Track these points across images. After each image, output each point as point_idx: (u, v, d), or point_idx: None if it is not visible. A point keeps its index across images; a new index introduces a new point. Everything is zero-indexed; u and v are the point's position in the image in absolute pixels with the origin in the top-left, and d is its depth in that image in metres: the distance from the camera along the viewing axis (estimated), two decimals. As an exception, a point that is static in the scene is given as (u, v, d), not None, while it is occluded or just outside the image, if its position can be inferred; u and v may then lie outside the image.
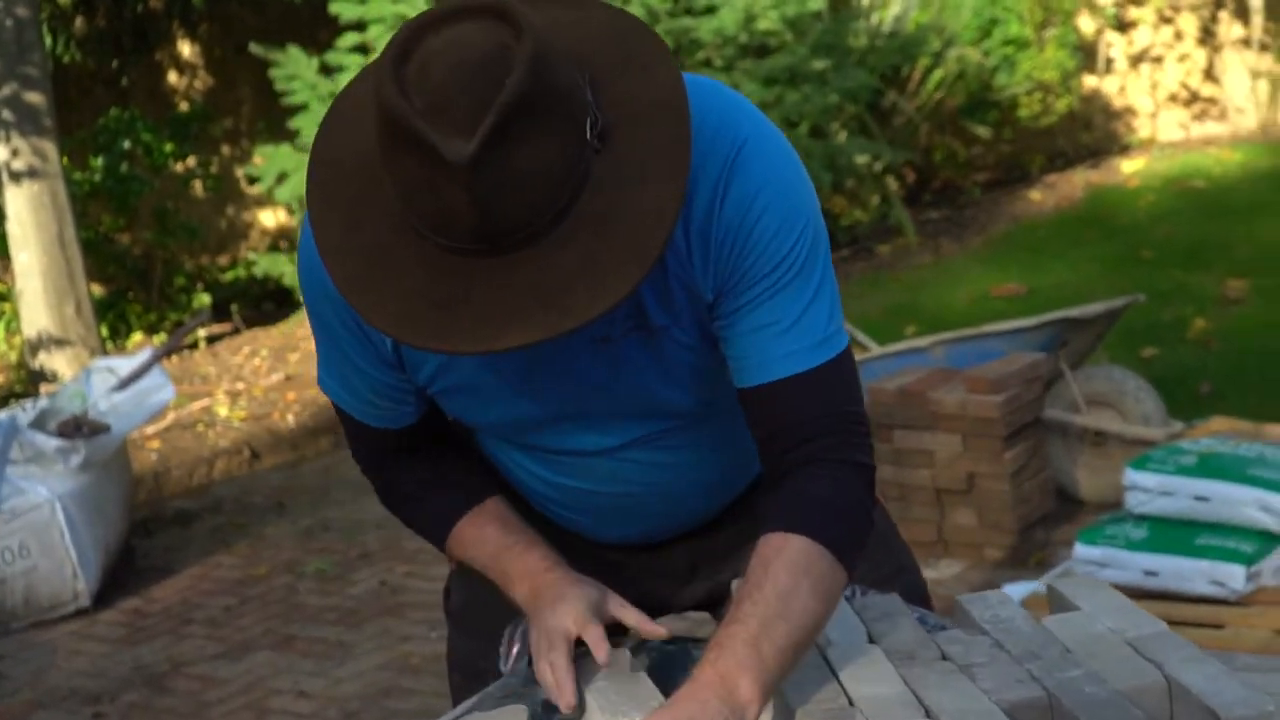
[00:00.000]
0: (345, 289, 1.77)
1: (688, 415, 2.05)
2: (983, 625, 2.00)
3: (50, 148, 9.19)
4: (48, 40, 10.75)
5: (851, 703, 1.82)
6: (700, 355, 1.97)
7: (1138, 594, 4.41)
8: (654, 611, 2.30)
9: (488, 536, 2.11)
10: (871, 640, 1.99)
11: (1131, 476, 4.54)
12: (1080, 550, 4.52)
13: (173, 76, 12.52)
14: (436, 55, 1.69)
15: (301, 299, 2.14)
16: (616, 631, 2.10)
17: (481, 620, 2.22)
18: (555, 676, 1.93)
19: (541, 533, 2.15)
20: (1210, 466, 4.46)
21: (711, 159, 1.85)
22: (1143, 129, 12.73)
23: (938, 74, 10.86)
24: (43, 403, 6.53)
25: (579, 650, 1.98)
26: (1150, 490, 4.49)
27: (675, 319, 1.93)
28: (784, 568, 1.84)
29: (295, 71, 9.45)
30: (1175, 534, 4.42)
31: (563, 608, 1.99)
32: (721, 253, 1.88)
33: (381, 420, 2.10)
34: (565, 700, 1.91)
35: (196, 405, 8.74)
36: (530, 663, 2.12)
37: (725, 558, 2.17)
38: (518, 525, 2.13)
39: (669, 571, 2.28)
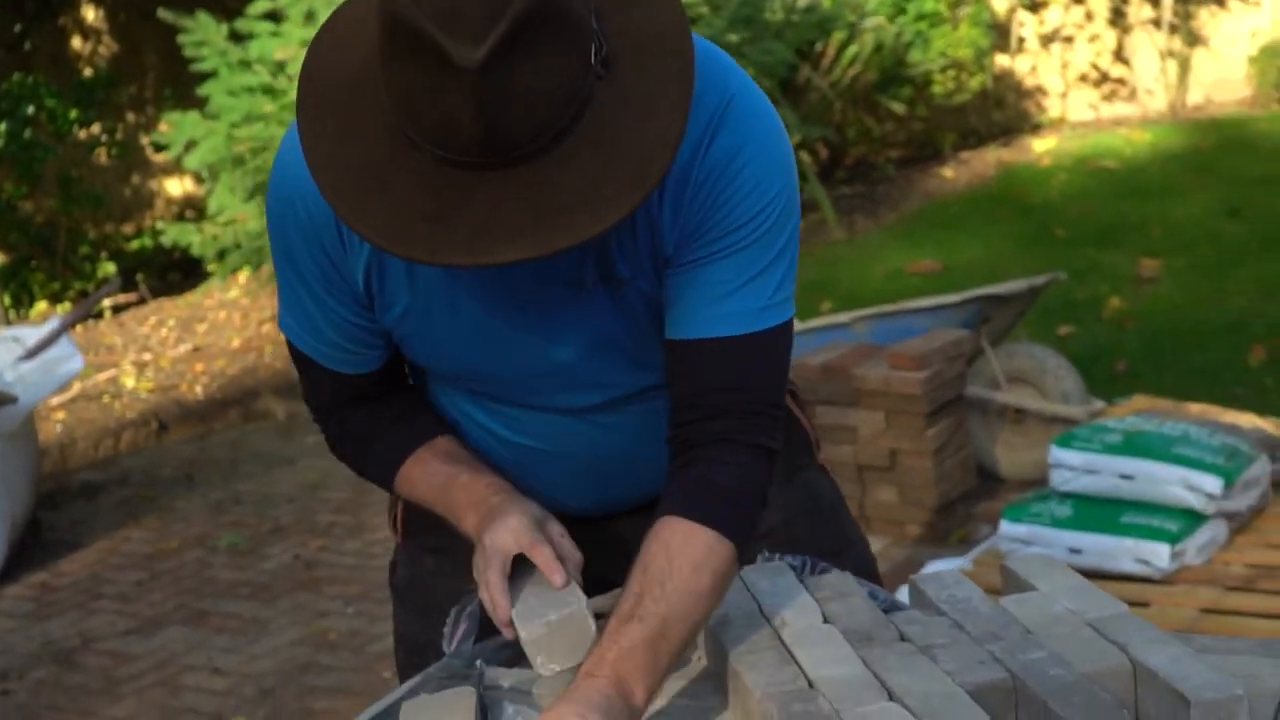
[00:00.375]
0: (333, 198, 1.71)
1: (651, 375, 2.02)
2: (939, 605, 1.96)
3: (-48, 112, 9.01)
4: (-51, 3, 10.54)
5: (811, 685, 1.77)
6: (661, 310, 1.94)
7: (1062, 572, 4.42)
8: (592, 587, 2.26)
9: (434, 471, 2.07)
10: (826, 620, 1.94)
11: (1057, 454, 4.53)
12: (1005, 528, 4.51)
13: (77, 42, 12.30)
14: None
15: (267, 241, 2.08)
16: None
17: (427, 596, 2.19)
18: (490, 594, 1.91)
19: None
20: (1135, 445, 4.46)
21: (700, 107, 1.82)
22: (1053, 108, 12.80)
23: (852, 49, 10.84)
24: (-54, 373, 6.39)
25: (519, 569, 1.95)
26: (1075, 468, 4.49)
27: (639, 270, 1.91)
28: (690, 565, 1.83)
29: (204, 38, 9.29)
30: (1100, 512, 4.41)
31: (501, 525, 1.94)
32: (695, 201, 1.86)
33: (343, 364, 2.06)
34: (500, 616, 1.90)
35: (103, 376, 8.61)
36: (475, 642, 2.07)
37: None
38: (465, 456, 2.09)
39: (611, 548, 2.23)
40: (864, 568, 2.23)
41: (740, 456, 1.90)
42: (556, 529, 1.98)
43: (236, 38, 9.33)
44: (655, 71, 1.74)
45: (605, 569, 2.22)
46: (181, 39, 9.36)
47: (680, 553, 1.83)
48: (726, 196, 1.86)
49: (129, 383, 8.54)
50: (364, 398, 2.12)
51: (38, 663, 5.13)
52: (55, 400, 8.14)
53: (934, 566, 4.47)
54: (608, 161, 1.69)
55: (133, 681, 4.90)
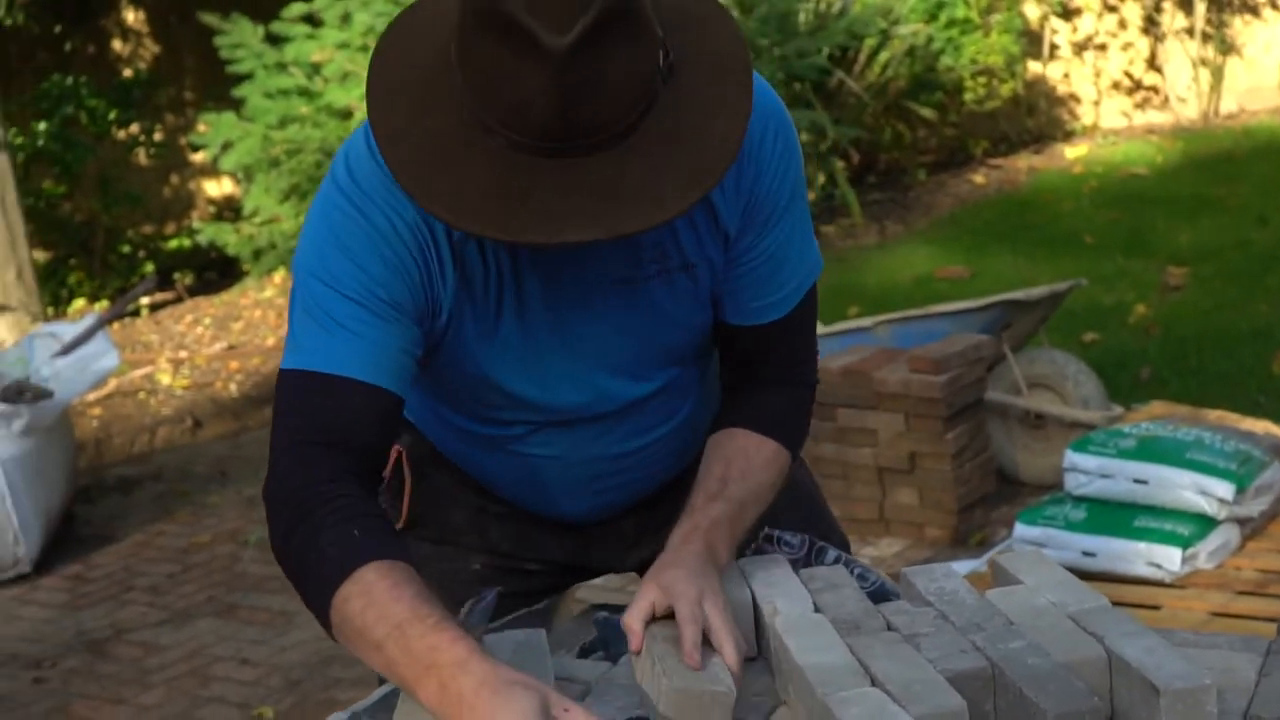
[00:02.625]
0: (401, 174, 1.77)
1: (686, 367, 2.16)
2: (927, 597, 2.03)
3: (-7, 112, 9.14)
4: (-8, 4, 10.67)
5: (799, 670, 1.85)
6: (708, 304, 2.09)
7: (1076, 574, 4.46)
8: (595, 573, 2.35)
9: (401, 595, 1.77)
10: (817, 610, 2.02)
11: (1071, 458, 4.59)
12: (1020, 530, 4.57)
13: (117, 43, 12.44)
14: None
15: (292, 270, 1.98)
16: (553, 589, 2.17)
17: (424, 576, 2.18)
18: None
19: (491, 515, 2.22)
20: (1149, 450, 4.51)
21: None
22: (1086, 116, 12.82)
23: (884, 55, 10.90)
24: (-16, 368, 6.51)
25: None
26: (1090, 472, 4.54)
27: (701, 256, 2.03)
28: (763, 462, 2.12)
29: (241, 40, 9.43)
30: (1114, 516, 4.47)
31: (506, 709, 1.65)
32: (745, 177, 2.00)
33: (379, 376, 1.91)
34: None
35: (139, 373, 8.72)
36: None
37: (665, 525, 2.18)
38: (432, 597, 1.80)
39: (613, 540, 2.31)
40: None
41: (795, 392, 2.20)
42: (562, 703, 1.70)
43: (273, 40, 9.46)
44: (716, 81, 1.85)
45: (608, 560, 2.32)
46: (218, 41, 9.50)
47: (756, 454, 2.11)
48: (769, 167, 2.01)
49: (165, 380, 8.65)
50: (359, 448, 1.92)
51: (70, 652, 5.24)
52: (92, 396, 8.25)
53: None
54: (674, 157, 1.79)
55: (163, 671, 5.01)
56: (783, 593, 2.06)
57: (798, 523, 2.28)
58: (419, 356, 1.98)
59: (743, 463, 2.09)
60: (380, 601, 1.76)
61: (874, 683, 1.80)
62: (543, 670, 1.93)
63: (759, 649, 2.05)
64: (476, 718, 1.64)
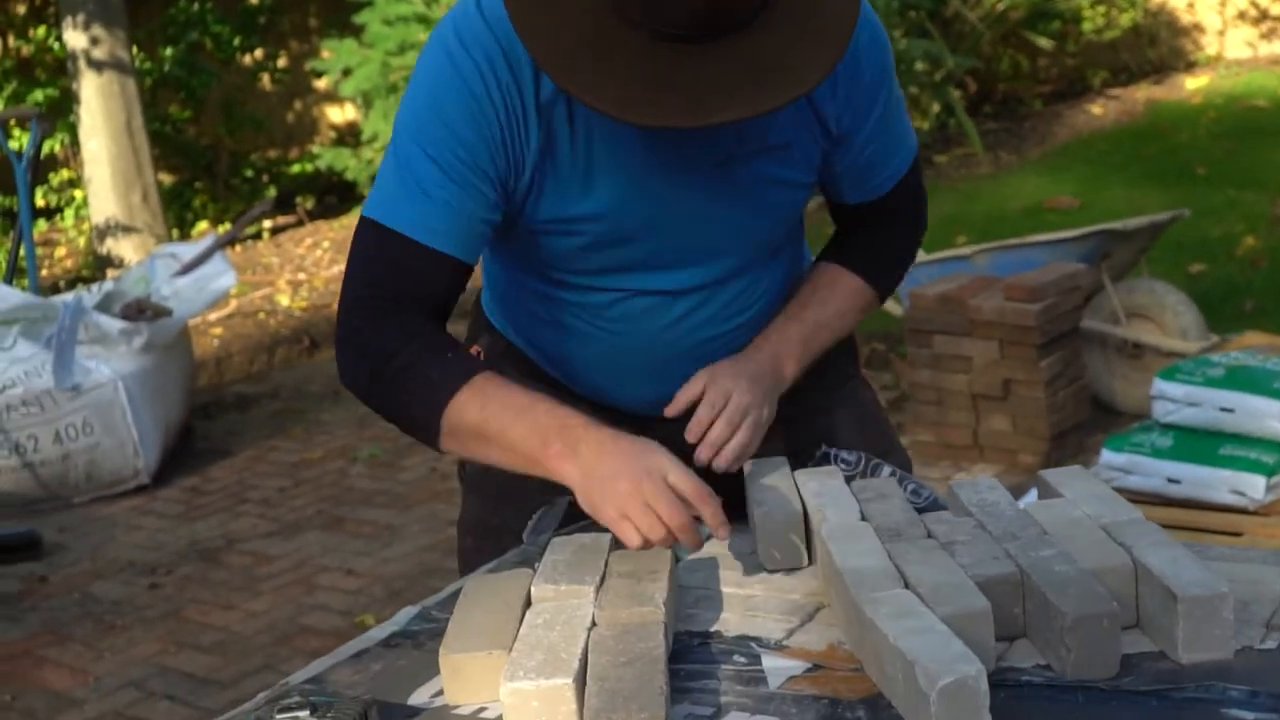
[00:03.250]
0: (551, 68, 1.89)
1: (773, 250, 2.29)
2: (969, 508, 2.12)
3: (122, 36, 9.35)
4: (121, -70, 10.88)
5: (838, 573, 1.95)
6: (799, 187, 2.23)
7: (1161, 500, 4.52)
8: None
9: (513, 394, 2.02)
10: (864, 519, 2.11)
11: (1159, 386, 4.61)
12: (1106, 456, 4.61)
13: (243, -31, 12.63)
14: None
15: (395, 133, 2.11)
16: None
17: (500, 484, 2.26)
18: (708, 509, 1.96)
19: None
20: (1237, 379, 4.53)
21: None
22: (1210, 46, 12.67)
23: (1002, -17, 10.85)
24: (108, 286, 6.72)
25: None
26: (1178, 400, 4.57)
27: (796, 137, 2.15)
28: (845, 296, 2.32)
29: (362, -33, 9.55)
30: (1200, 443, 4.49)
31: (654, 452, 1.98)
32: (852, 83, 2.15)
33: (447, 242, 2.05)
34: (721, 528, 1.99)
35: (259, 294, 8.93)
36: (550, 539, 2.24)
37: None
38: (533, 388, 2.09)
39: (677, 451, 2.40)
40: (904, 470, 2.40)
41: (906, 231, 2.40)
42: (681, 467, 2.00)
43: (393, -33, 9.57)
44: None
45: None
46: (339, -33, 9.63)
47: (842, 287, 2.32)
48: (866, 69, 2.16)
49: (284, 301, 8.86)
50: (427, 303, 2.08)
51: (184, 560, 5.44)
52: (214, 316, 8.47)
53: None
54: (804, 31, 1.91)
55: (271, 580, 5.19)
56: (832, 502, 2.15)
57: (859, 441, 2.37)
58: (496, 223, 2.10)
59: (826, 291, 2.30)
60: (498, 398, 2.02)
61: (906, 585, 1.90)
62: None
63: (809, 556, 2.15)
64: (619, 450, 1.97)
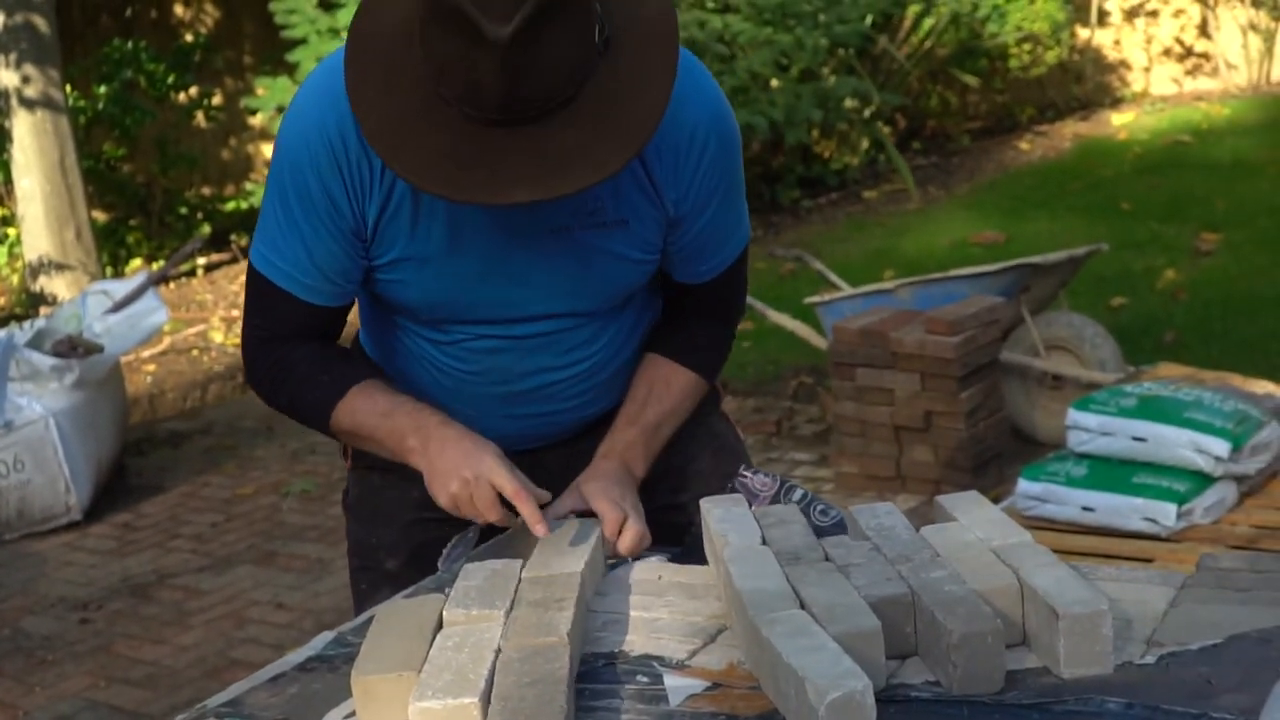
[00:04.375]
0: (375, 141, 2.04)
1: (614, 306, 2.39)
2: (867, 532, 2.20)
3: (54, 75, 9.36)
4: (54, -31, 10.90)
5: (738, 594, 2.02)
6: (636, 263, 2.33)
7: (1076, 528, 4.62)
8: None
9: (378, 401, 2.31)
10: (764, 543, 2.19)
11: (1074, 416, 4.71)
12: (1023, 485, 4.70)
13: (179, 8, 12.66)
14: None
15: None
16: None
17: (375, 506, 2.53)
18: (525, 508, 2.19)
19: None
20: (1149, 408, 4.63)
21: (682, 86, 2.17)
22: (1136, 83, 12.87)
23: (928, 21, 10.99)
24: (40, 323, 6.74)
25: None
26: (1091, 430, 4.67)
27: (633, 215, 2.26)
28: (680, 392, 2.46)
29: (295, 6, 9.60)
30: (1113, 472, 4.59)
31: (479, 457, 2.23)
32: (695, 168, 2.26)
33: (316, 296, 2.29)
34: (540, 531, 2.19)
35: (192, 331, 8.95)
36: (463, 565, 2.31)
37: (584, 462, 2.43)
38: (402, 393, 2.35)
39: (541, 470, 2.50)
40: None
41: (717, 329, 2.53)
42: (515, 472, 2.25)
43: (326, 5, 9.64)
44: (647, 52, 2.09)
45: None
46: (273, 6, 9.69)
47: (674, 381, 2.45)
48: (710, 157, 2.26)
49: (217, 337, 8.88)
50: (311, 336, 2.36)
51: (115, 595, 5.47)
52: (147, 353, 8.49)
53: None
54: (605, 125, 2.03)
55: (202, 614, 5.23)
56: (734, 527, 2.23)
57: (716, 470, 2.49)
58: (359, 269, 2.28)
59: (662, 388, 2.43)
60: (367, 406, 2.32)
61: (802, 606, 1.97)
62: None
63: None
64: (459, 449, 2.23)
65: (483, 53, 1.95)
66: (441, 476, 2.24)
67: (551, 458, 2.49)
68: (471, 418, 2.39)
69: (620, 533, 2.29)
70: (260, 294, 2.33)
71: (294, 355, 2.35)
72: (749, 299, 4.45)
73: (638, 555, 2.32)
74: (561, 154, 2.00)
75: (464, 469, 2.23)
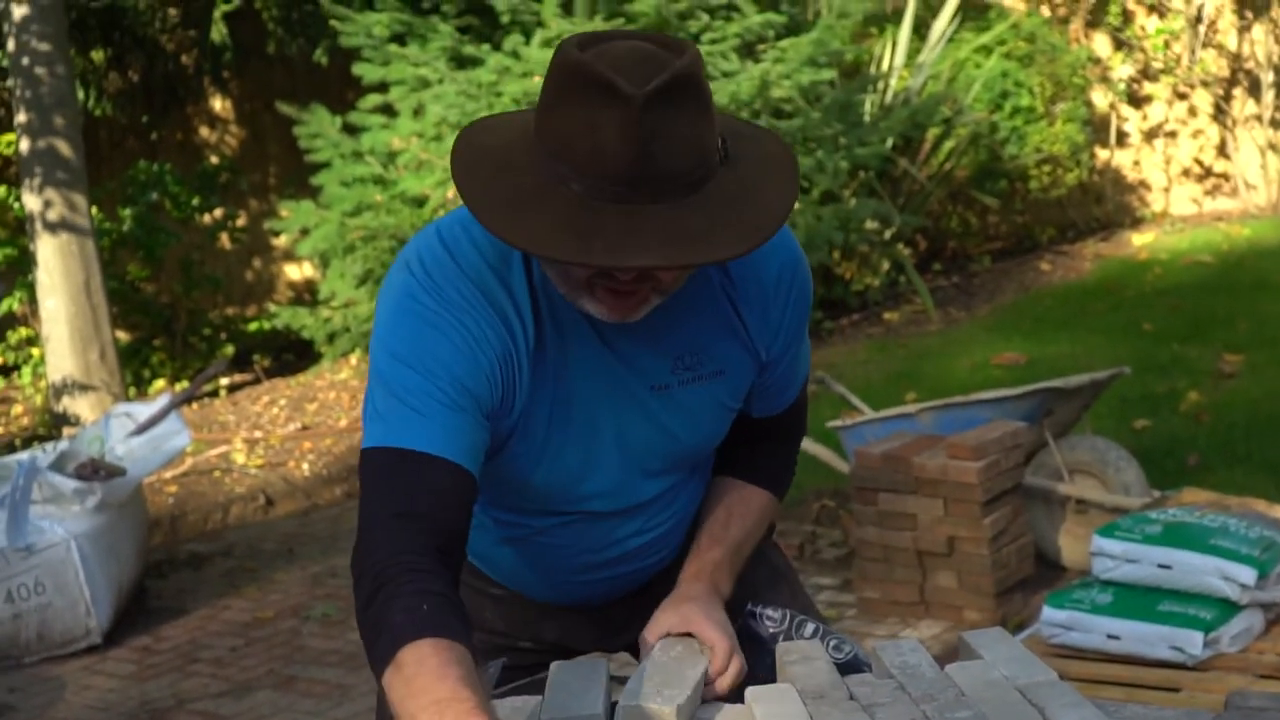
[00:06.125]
0: (487, 217, 1.96)
1: (702, 463, 2.43)
2: (891, 670, 2.18)
3: (80, 199, 9.45)
4: (80, 95, 11.03)
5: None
6: (729, 410, 2.36)
7: (1101, 656, 4.59)
8: (585, 652, 2.53)
9: (448, 673, 1.89)
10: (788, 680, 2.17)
11: (1099, 543, 4.70)
12: (1047, 613, 4.68)
13: (204, 130, 12.80)
14: (614, 44, 2.00)
15: (375, 362, 2.14)
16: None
17: None
18: None
19: (488, 598, 2.45)
20: (1174, 535, 4.62)
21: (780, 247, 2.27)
22: (1156, 203, 12.92)
23: (948, 143, 11.07)
24: (63, 445, 6.75)
25: None
26: (1116, 557, 4.65)
27: (728, 364, 2.29)
28: (757, 511, 2.48)
29: (319, 130, 9.72)
30: (1139, 600, 4.57)
31: None
32: (775, 306, 2.29)
33: (456, 453, 2.07)
34: None
35: (214, 452, 8.96)
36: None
37: (652, 609, 2.34)
38: (476, 683, 1.92)
39: (605, 621, 2.50)
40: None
41: (784, 447, 2.56)
42: None
43: (350, 130, 9.74)
44: (767, 167, 2.10)
45: (599, 641, 2.51)
46: (297, 130, 9.81)
47: (751, 501, 2.47)
48: (794, 298, 2.31)
49: (239, 459, 8.89)
50: (448, 534, 2.07)
51: (134, 721, 5.45)
52: (169, 474, 8.49)
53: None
54: (729, 214, 2.00)
55: (221, 741, 5.20)
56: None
57: (777, 599, 2.45)
58: (486, 451, 2.13)
59: (741, 508, 2.45)
60: (428, 675, 1.88)
61: (827, 747, 1.96)
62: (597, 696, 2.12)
63: None
64: None
65: (615, 113, 1.92)
66: None
67: (619, 609, 2.49)
68: (548, 587, 2.40)
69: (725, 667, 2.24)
70: (387, 469, 2.07)
71: (412, 560, 2.01)
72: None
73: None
74: (684, 235, 1.95)
75: None
